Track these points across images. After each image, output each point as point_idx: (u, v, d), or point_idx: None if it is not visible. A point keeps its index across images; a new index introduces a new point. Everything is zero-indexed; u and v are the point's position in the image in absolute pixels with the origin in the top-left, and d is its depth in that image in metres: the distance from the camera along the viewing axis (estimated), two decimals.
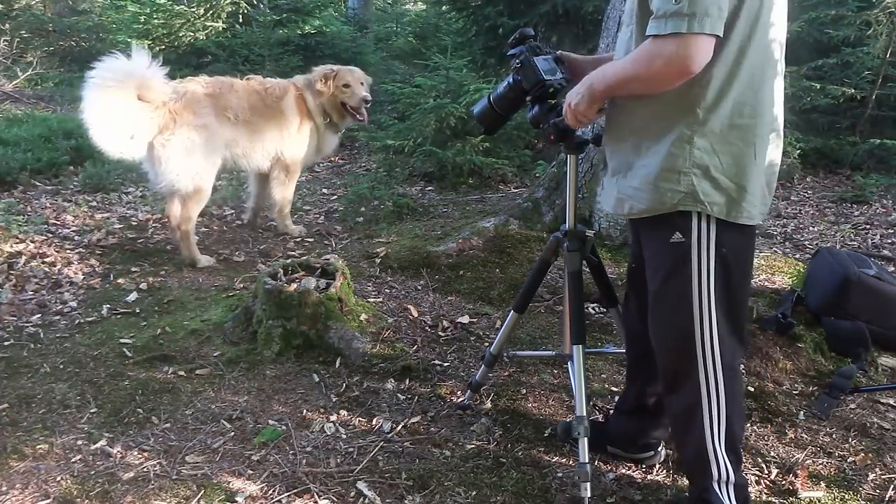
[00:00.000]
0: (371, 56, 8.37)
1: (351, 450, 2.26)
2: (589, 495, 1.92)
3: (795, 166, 5.73)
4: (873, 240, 4.54)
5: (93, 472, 2.12)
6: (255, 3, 7.77)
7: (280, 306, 2.77)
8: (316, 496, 2.04)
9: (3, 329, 3.00)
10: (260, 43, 7.05)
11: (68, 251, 3.86)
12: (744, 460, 2.12)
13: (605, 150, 1.87)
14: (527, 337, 2.99)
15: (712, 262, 1.67)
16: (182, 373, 2.66)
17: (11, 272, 3.54)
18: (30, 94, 8.58)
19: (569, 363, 2.16)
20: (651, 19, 1.50)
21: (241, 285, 3.47)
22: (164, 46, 7.19)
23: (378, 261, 3.68)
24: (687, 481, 1.95)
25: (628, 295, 2.11)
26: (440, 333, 3.01)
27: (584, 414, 1.95)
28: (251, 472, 2.14)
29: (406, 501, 2.04)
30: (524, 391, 2.60)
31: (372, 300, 3.23)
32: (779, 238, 4.58)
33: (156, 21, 7.35)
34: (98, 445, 2.24)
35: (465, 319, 3.12)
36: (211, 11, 7.51)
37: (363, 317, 2.94)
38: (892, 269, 3.86)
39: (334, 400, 2.53)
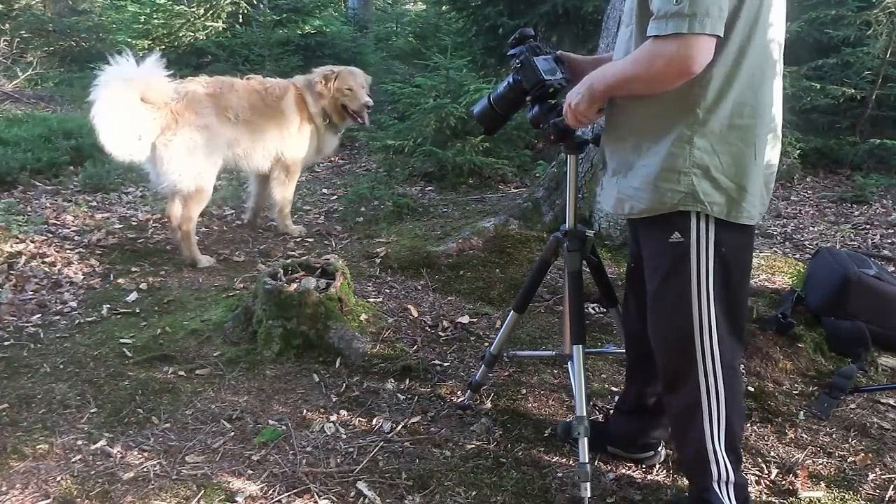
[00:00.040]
0: (371, 56, 8.37)
1: (351, 450, 2.26)
2: (589, 495, 1.92)
3: (795, 166, 5.72)
4: (873, 240, 4.54)
5: (93, 472, 2.12)
6: (255, 3, 7.77)
7: (280, 306, 2.77)
8: (316, 496, 2.04)
9: (3, 329, 3.00)
10: (260, 43, 7.05)
11: (68, 251, 3.86)
12: (744, 460, 2.12)
13: (604, 150, 1.87)
14: (527, 337, 2.99)
15: (711, 262, 1.67)
16: (182, 373, 2.66)
17: (11, 272, 3.54)
18: (30, 94, 8.58)
19: (569, 363, 2.16)
20: (651, 20, 1.50)
21: (241, 285, 3.47)
22: (164, 46, 7.18)
23: (378, 261, 3.68)
24: (687, 481, 1.95)
25: (628, 295, 2.11)
26: (440, 333, 3.01)
27: (584, 414, 1.95)
28: (251, 472, 2.14)
29: (406, 501, 2.04)
30: (524, 391, 2.60)
31: (372, 300, 3.23)
32: (779, 238, 4.58)
33: (156, 21, 7.35)
34: (98, 445, 2.24)
35: (465, 319, 3.12)
36: (211, 11, 7.51)
37: (363, 317, 2.94)
38: (892, 269, 3.86)
39: (334, 400, 2.53)
